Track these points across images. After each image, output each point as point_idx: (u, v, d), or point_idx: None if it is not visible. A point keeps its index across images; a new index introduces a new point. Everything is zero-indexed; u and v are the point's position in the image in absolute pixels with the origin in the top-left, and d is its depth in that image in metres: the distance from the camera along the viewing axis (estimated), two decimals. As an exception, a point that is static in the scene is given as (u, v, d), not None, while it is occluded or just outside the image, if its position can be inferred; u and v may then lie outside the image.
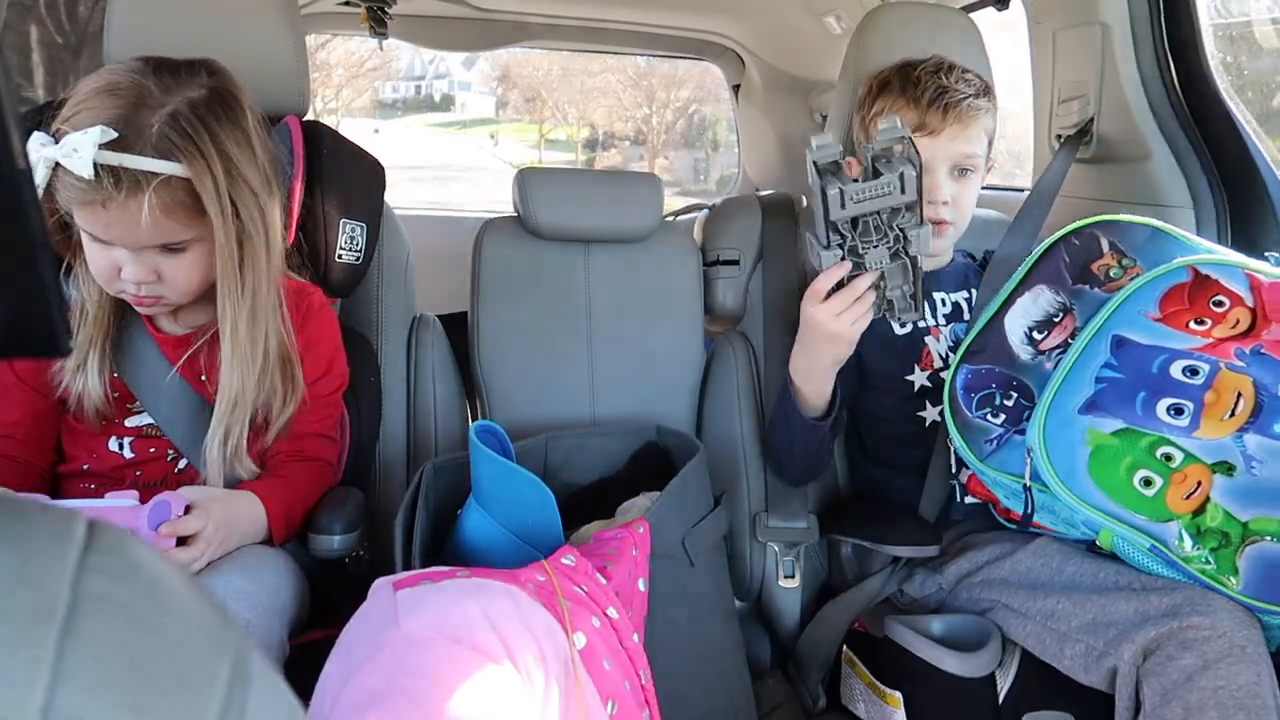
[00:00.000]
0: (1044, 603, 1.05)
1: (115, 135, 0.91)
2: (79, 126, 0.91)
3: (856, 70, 1.45)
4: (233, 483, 1.08)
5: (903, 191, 1.00)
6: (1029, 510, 1.04)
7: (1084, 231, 1.17)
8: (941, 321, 1.33)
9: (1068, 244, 1.17)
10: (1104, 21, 1.48)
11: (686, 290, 1.57)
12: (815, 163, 1.01)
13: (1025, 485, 1.04)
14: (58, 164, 0.91)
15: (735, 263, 1.55)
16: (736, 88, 2.96)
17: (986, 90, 1.31)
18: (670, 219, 1.85)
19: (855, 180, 1.00)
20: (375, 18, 2.27)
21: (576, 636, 0.82)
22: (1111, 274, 1.12)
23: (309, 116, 1.31)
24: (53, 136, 0.93)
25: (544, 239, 1.53)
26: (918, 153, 1.01)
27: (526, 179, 1.51)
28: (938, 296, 1.34)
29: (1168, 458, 0.96)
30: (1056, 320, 1.13)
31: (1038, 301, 1.14)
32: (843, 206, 1.00)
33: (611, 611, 0.88)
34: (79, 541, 0.32)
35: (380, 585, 0.80)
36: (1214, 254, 1.10)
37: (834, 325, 1.10)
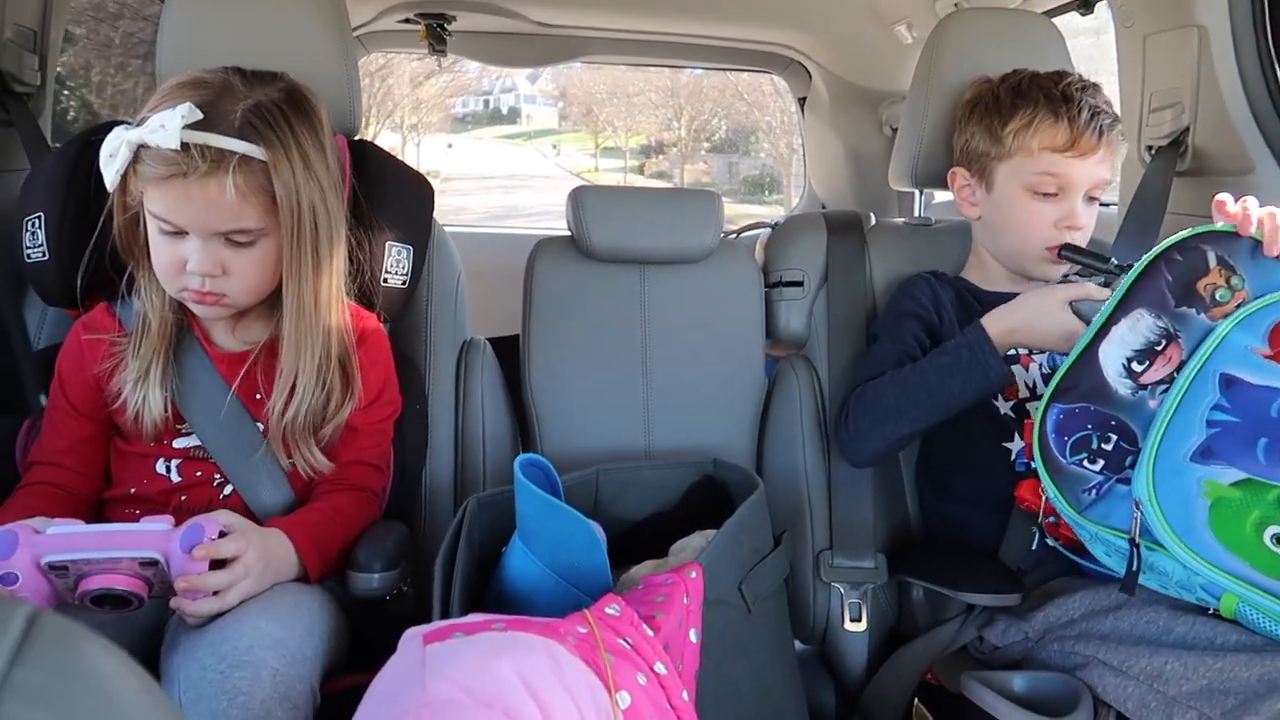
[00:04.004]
0: (1150, 661, 0.94)
1: (200, 116, 0.94)
2: None
3: (929, 80, 1.38)
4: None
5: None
6: (1134, 568, 0.92)
7: (1188, 245, 1.01)
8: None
9: (1169, 260, 1.01)
10: (1200, 24, 1.37)
11: (747, 313, 1.50)
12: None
13: (1132, 541, 0.92)
14: (138, 150, 0.94)
15: (799, 284, 1.48)
16: (803, 101, 2.88)
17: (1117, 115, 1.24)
18: (731, 238, 1.79)
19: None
20: (434, 35, 2.26)
21: (620, 696, 0.75)
22: (1219, 296, 0.99)
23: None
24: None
25: (598, 260, 1.48)
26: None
27: (581, 197, 1.46)
28: None
29: None
30: (1159, 349, 0.99)
31: (1136, 328, 1.00)
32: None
33: (659, 667, 0.81)
34: (15, 634, 0.31)
35: (410, 637, 0.74)
36: None
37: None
